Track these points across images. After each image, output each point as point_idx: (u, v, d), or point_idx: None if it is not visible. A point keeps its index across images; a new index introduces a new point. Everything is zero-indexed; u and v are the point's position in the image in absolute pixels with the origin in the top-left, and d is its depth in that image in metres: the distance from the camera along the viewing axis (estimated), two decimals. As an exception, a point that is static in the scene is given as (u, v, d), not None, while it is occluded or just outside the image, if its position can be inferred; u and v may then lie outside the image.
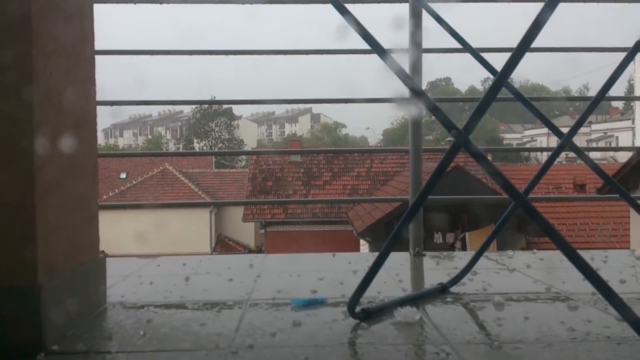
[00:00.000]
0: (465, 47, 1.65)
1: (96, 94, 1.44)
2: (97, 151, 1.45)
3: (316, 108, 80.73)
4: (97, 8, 1.45)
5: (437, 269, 1.89)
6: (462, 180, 11.83)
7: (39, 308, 1.07)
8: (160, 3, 2.20)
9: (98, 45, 1.45)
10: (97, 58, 1.44)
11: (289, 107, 78.26)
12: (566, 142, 1.53)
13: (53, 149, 1.16)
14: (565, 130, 1.60)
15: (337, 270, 1.84)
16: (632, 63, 1.57)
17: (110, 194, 21.34)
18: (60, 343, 1.12)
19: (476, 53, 1.65)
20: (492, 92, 1.14)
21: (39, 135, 1.10)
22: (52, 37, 1.17)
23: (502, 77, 1.14)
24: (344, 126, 65.67)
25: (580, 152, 1.75)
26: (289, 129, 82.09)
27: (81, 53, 1.35)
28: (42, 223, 1.10)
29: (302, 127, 77.30)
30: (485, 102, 1.14)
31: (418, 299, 1.45)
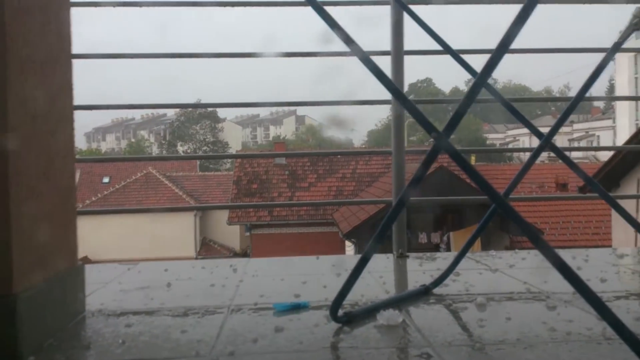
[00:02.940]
0: (446, 49, 1.66)
1: (74, 98, 1.42)
2: (75, 156, 1.43)
3: (301, 110, 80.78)
4: (75, 12, 1.43)
5: (420, 270, 1.89)
6: (446, 180, 11.89)
7: (14, 318, 1.05)
8: (140, 6, 2.18)
9: (75, 49, 1.44)
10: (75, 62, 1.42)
11: (274, 109, 78.23)
12: (546, 143, 1.54)
13: (28, 155, 1.14)
14: (547, 130, 1.61)
15: (320, 273, 1.83)
16: (612, 63, 1.59)
17: (93, 198, 21.13)
18: (37, 354, 1.10)
19: (456, 55, 1.65)
20: (472, 94, 1.15)
21: (13, 142, 1.07)
22: (26, 42, 1.14)
23: (481, 79, 1.14)
24: (329, 128, 65.77)
25: (560, 153, 1.76)
26: (273, 131, 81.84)
27: (58, 57, 1.33)
28: (17, 231, 1.08)
29: (287, 129, 77.16)
30: (464, 104, 1.14)
31: (401, 301, 1.44)
